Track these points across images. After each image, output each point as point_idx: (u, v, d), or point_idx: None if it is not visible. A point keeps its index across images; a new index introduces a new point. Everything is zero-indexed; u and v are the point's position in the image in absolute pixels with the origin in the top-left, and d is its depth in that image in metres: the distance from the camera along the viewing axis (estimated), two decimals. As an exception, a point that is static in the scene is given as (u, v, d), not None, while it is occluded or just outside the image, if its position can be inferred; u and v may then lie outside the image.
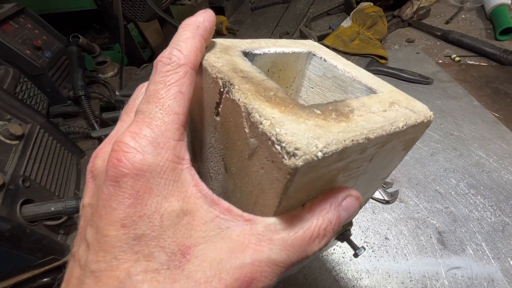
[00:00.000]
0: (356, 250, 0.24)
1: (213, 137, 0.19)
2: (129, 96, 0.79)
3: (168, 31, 1.10)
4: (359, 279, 0.42)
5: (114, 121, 0.71)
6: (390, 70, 0.76)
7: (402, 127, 0.16)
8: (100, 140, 0.71)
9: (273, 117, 0.13)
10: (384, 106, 0.17)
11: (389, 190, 0.51)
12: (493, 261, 0.41)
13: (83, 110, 0.72)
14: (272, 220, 0.14)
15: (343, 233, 0.30)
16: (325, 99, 0.25)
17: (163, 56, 0.15)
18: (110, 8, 0.91)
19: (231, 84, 0.16)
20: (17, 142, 0.53)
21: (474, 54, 0.80)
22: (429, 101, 0.68)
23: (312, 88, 0.26)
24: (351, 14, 0.88)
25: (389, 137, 0.16)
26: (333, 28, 0.91)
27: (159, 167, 0.13)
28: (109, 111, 0.71)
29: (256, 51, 0.21)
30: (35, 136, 0.56)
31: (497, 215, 0.46)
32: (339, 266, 0.43)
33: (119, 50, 1.23)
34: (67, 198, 0.48)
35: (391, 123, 0.15)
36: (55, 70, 0.77)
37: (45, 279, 0.51)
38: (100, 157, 0.15)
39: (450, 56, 0.81)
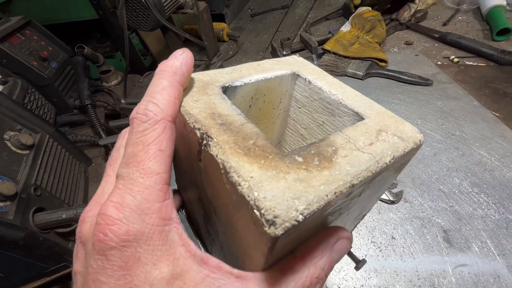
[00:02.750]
0: (358, 264, 0.24)
1: (199, 179, 0.18)
2: (134, 104, 0.80)
3: (170, 38, 1.12)
4: (367, 278, 0.42)
5: (120, 129, 0.72)
6: (390, 73, 0.77)
7: (390, 161, 0.15)
8: (106, 148, 0.73)
9: (251, 177, 0.13)
10: (371, 138, 0.17)
11: (394, 191, 0.52)
12: (498, 258, 0.42)
13: (89, 119, 0.74)
14: (263, 275, 0.14)
15: None
16: (313, 120, 0.25)
17: (139, 112, 0.14)
18: (111, 18, 0.93)
19: (208, 136, 0.15)
20: (28, 151, 0.54)
21: (472, 55, 0.81)
22: (430, 102, 0.69)
23: (300, 108, 0.25)
24: (350, 19, 0.90)
25: (376, 175, 0.15)
26: (332, 33, 0.92)
27: (145, 235, 0.12)
28: (115, 119, 0.73)
29: (237, 83, 0.21)
30: (45, 145, 0.57)
31: (501, 213, 0.47)
32: (348, 265, 0.44)
33: (120, 58, 1.25)
34: (78, 205, 0.49)
35: (377, 160, 0.15)
36: (61, 80, 0.78)
37: (56, 286, 0.52)
38: (87, 221, 0.15)
39: (448, 58, 0.82)
